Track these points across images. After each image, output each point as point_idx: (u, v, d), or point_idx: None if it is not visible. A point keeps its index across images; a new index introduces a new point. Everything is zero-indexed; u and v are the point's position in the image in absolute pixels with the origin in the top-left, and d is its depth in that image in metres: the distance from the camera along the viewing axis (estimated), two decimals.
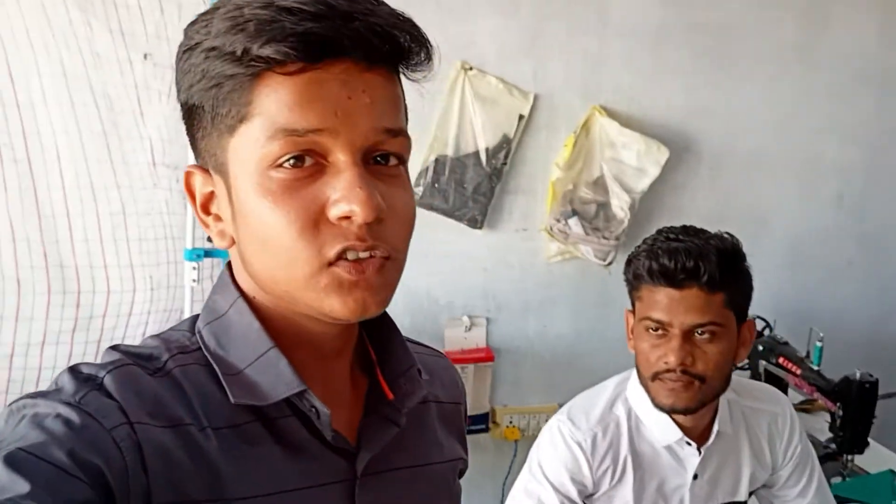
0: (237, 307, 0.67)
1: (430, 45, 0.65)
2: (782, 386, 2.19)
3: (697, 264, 1.29)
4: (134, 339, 2.17)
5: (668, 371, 1.34)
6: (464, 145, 2.28)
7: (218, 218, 0.67)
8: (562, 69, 2.33)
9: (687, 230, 1.38)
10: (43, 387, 2.05)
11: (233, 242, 0.66)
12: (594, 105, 2.35)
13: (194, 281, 2.08)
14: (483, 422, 2.43)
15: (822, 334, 2.13)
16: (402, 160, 0.65)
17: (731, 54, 2.43)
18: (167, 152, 2.11)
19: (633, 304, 1.43)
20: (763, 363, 2.28)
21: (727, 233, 1.38)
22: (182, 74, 0.65)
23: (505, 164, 2.32)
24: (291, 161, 0.60)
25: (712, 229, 2.51)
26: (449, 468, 0.81)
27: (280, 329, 0.67)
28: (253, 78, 0.60)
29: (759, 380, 2.23)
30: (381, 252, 0.62)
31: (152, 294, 2.16)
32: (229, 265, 0.71)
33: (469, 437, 0.88)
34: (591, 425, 1.45)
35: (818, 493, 1.58)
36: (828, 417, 2.09)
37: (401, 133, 0.64)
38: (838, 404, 1.95)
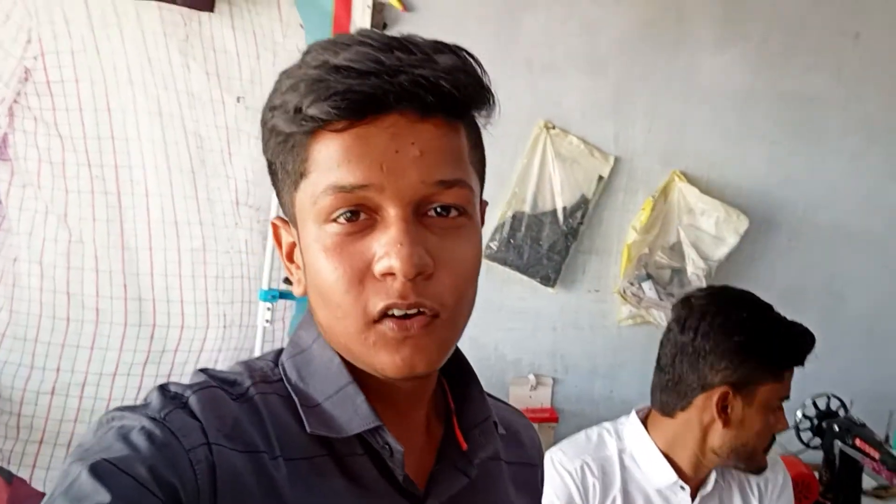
0: (320, 343, 0.68)
1: (490, 92, 0.64)
2: (857, 469, 2.12)
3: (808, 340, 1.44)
4: None
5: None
6: (541, 203, 2.28)
7: (298, 267, 0.69)
8: (644, 132, 2.32)
9: (752, 298, 1.48)
10: None
11: (304, 292, 0.68)
12: (674, 170, 2.34)
13: (267, 321, 2.09)
14: None
15: None
16: (465, 211, 0.64)
17: (818, 126, 2.40)
18: (251, 193, 2.15)
19: (744, 388, 1.42)
20: (839, 444, 2.20)
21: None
22: (262, 131, 0.67)
23: (581, 223, 2.31)
24: (346, 215, 0.61)
25: (789, 302, 2.48)
26: None
27: (355, 370, 0.67)
28: (308, 135, 0.61)
29: (834, 462, 2.16)
30: (427, 309, 0.61)
31: (225, 332, 2.18)
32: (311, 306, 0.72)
33: None
34: (581, 455, 1.45)
35: None
36: None
37: (458, 183, 0.63)
38: None
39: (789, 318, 2.47)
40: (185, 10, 2.00)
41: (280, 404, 0.66)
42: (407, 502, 0.67)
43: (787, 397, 1.44)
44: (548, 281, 2.32)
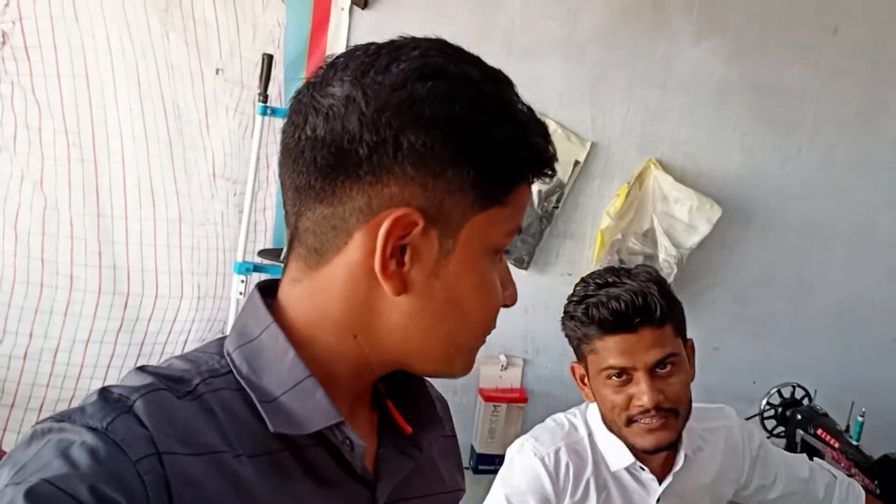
0: (270, 332, 0.66)
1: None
2: (818, 456, 2.15)
3: (646, 303, 1.32)
4: (175, 345, 2.20)
5: (642, 413, 1.35)
6: None
7: (401, 263, 0.64)
8: (621, 119, 2.35)
9: (612, 271, 1.40)
10: (83, 384, 2.07)
11: (403, 291, 0.64)
12: (650, 157, 2.36)
13: (241, 294, 2.10)
14: None
15: (864, 409, 2.09)
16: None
17: (792, 118, 2.43)
18: (228, 165, 2.16)
19: (582, 356, 1.42)
20: (800, 433, 2.24)
21: (641, 265, 1.44)
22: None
23: (557, 207, 2.33)
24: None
25: (759, 291, 2.50)
26: (453, 498, 0.83)
27: (320, 361, 0.66)
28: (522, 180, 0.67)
29: (796, 450, 2.19)
30: None
31: (199, 303, 2.20)
32: (260, 289, 0.70)
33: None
34: (554, 442, 1.45)
35: (788, 474, 1.60)
36: None
37: None
38: (876, 482, 1.91)
39: (761, 308, 2.51)
40: None
41: (233, 399, 0.63)
42: (364, 489, 0.68)
43: (625, 368, 1.35)
44: (521, 263, 2.34)
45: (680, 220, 2.36)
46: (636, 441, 1.39)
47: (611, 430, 1.44)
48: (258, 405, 0.63)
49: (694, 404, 1.52)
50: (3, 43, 1.96)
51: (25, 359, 2.09)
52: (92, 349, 2.14)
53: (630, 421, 1.37)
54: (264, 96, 2.05)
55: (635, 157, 2.36)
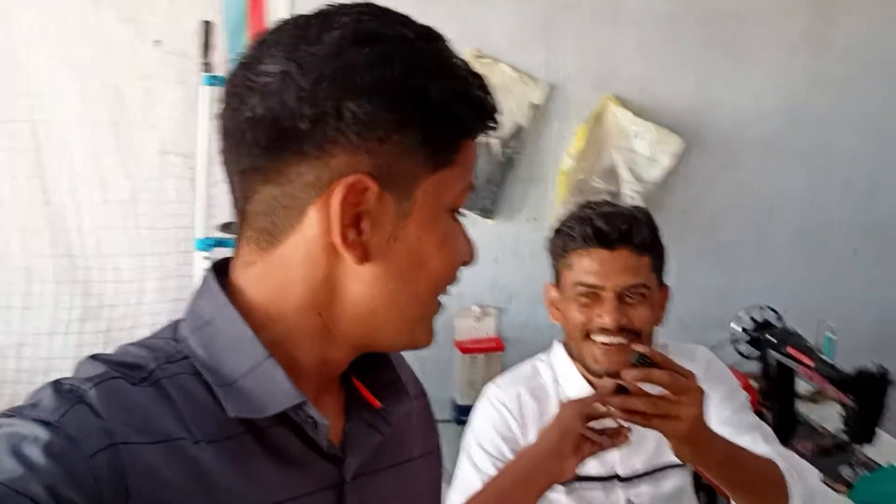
0: (227, 314, 0.65)
1: None
2: (791, 377, 2.20)
3: (630, 227, 1.37)
4: (144, 328, 2.16)
5: (602, 331, 1.38)
6: None
7: (360, 231, 0.63)
8: (575, 58, 2.31)
9: (610, 203, 1.48)
10: (53, 376, 2.05)
11: (365, 258, 0.64)
12: (607, 94, 2.33)
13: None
14: None
15: (832, 325, 2.13)
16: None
17: (743, 43, 2.42)
18: (177, 142, 2.09)
19: (558, 276, 1.47)
20: (774, 354, 2.28)
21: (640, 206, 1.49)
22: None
23: (517, 152, 2.30)
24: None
25: (725, 220, 2.52)
26: (427, 460, 0.84)
27: (281, 342, 0.65)
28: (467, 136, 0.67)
29: (769, 371, 2.23)
30: None
31: (161, 283, 2.15)
32: (214, 269, 0.69)
33: None
34: (516, 385, 1.50)
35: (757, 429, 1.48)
36: (837, 408, 2.10)
37: None
38: (851, 396, 1.95)
39: (727, 236, 2.52)
40: None
41: (190, 383, 0.62)
42: (330, 465, 0.68)
43: (595, 286, 1.38)
44: (487, 213, 2.32)
45: (641, 155, 2.35)
46: (591, 360, 1.41)
47: (570, 354, 1.48)
48: (215, 388, 0.62)
49: (667, 342, 1.54)
50: None
51: None
52: (58, 340, 2.10)
53: (587, 335, 1.40)
54: (208, 65, 1.98)
55: (592, 95, 2.33)
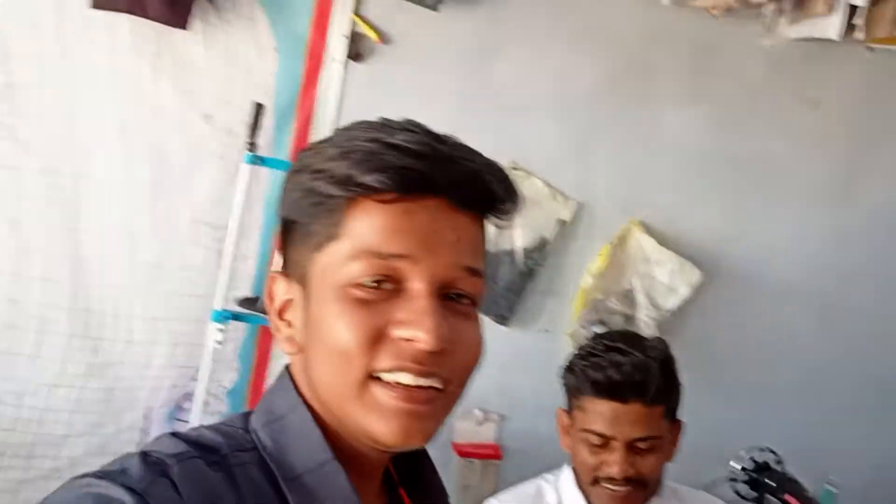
0: (299, 413, 0.68)
1: (520, 197, 0.69)
2: None
3: (645, 380, 1.35)
4: (148, 391, 2.14)
5: (609, 480, 1.38)
6: (501, 242, 2.30)
7: (290, 325, 0.69)
8: (607, 180, 2.37)
9: (625, 337, 1.43)
10: (47, 429, 2.03)
11: (300, 350, 0.68)
12: (633, 219, 2.38)
13: (218, 343, 2.06)
14: None
15: (834, 479, 2.12)
16: (475, 301, 0.68)
17: (770, 188, 2.47)
18: (211, 212, 2.12)
19: (571, 408, 1.47)
20: (771, 498, 2.26)
21: (658, 338, 1.46)
22: (286, 191, 0.69)
23: (540, 264, 2.33)
24: (372, 282, 0.63)
25: (734, 355, 2.52)
26: None
27: (333, 441, 0.67)
28: (349, 202, 0.64)
29: None
30: (436, 382, 0.64)
31: (173, 349, 2.15)
32: (289, 368, 0.72)
33: None
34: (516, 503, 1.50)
35: None
36: None
37: (478, 274, 0.67)
38: None
39: (734, 372, 2.52)
40: (157, 24, 1.97)
41: (258, 474, 0.64)
42: None
43: (605, 436, 1.37)
44: (502, 319, 2.34)
45: (660, 282, 2.38)
46: (598, 501, 1.42)
47: (578, 484, 1.47)
48: (281, 482, 0.64)
49: (679, 487, 1.54)
50: None
51: None
52: (60, 393, 2.08)
53: (596, 481, 1.40)
54: (253, 145, 2.03)
55: (619, 217, 2.38)
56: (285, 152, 2.15)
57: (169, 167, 2.08)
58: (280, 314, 0.70)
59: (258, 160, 2.04)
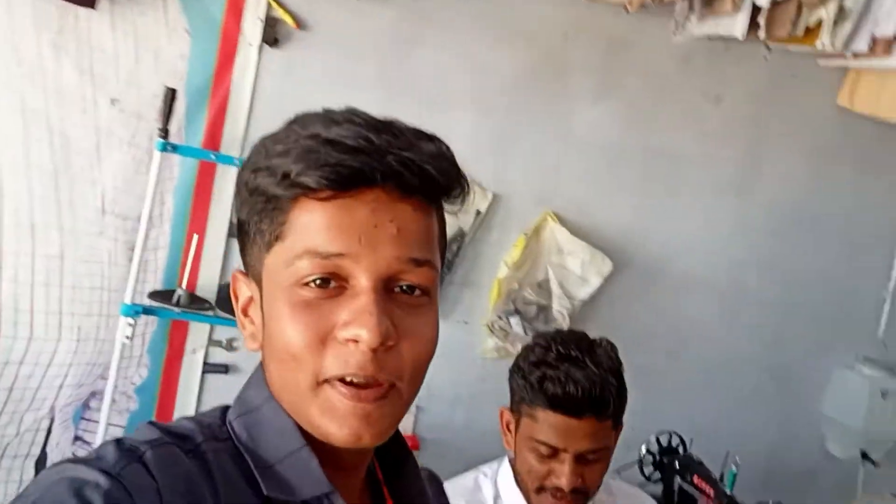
0: (272, 405, 0.68)
1: (466, 181, 0.70)
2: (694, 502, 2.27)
3: (601, 397, 1.33)
4: (49, 389, 2.03)
5: (556, 490, 1.38)
6: None
7: (253, 321, 0.71)
8: (522, 173, 2.40)
9: (578, 344, 1.39)
10: None
11: (261, 347, 0.70)
12: (547, 210, 2.42)
13: (128, 337, 1.98)
14: None
15: (738, 459, 2.22)
16: (428, 291, 0.67)
17: (678, 181, 2.56)
18: (119, 201, 2.03)
19: (519, 412, 1.43)
20: (678, 480, 2.35)
21: (605, 340, 1.43)
22: (238, 189, 0.69)
23: (457, 256, 2.34)
24: (317, 282, 0.64)
25: (641, 343, 2.60)
26: None
27: (305, 433, 0.68)
28: (290, 200, 0.64)
29: (672, 497, 2.30)
30: (383, 379, 0.64)
31: (78, 346, 2.05)
32: (263, 363, 0.73)
33: None
34: (454, 498, 1.46)
35: None
36: None
37: (426, 264, 0.66)
38: None
39: (642, 359, 2.60)
40: (60, 2, 1.87)
41: (230, 463, 0.65)
42: None
43: (556, 448, 1.36)
44: None
45: (573, 273, 2.43)
46: None
47: (519, 486, 1.46)
48: (255, 470, 0.65)
49: (620, 484, 1.57)
50: None
51: None
52: None
53: (541, 490, 1.40)
54: (165, 131, 1.95)
55: (534, 209, 2.41)
56: (198, 139, 2.08)
57: (73, 153, 1.98)
58: (244, 311, 0.72)
59: (170, 147, 1.97)
